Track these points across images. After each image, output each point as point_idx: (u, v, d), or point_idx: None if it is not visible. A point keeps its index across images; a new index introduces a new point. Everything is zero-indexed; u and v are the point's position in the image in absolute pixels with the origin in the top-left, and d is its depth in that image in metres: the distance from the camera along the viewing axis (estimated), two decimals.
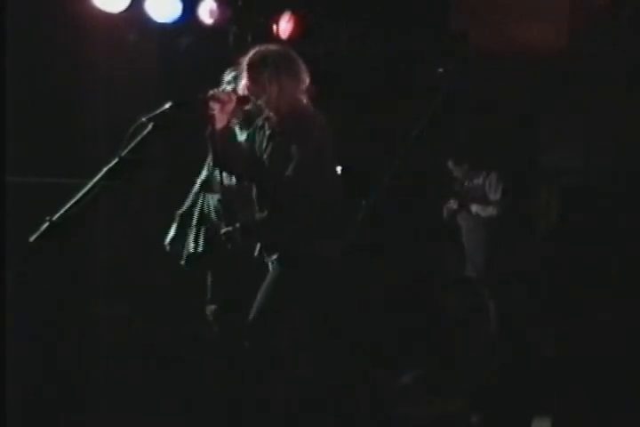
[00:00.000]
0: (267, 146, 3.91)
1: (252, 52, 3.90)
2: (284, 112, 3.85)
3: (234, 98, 3.86)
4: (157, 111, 3.29)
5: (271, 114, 3.88)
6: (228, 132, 3.90)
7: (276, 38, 6.26)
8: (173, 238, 4.53)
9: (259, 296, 3.84)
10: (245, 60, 3.90)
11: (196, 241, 4.45)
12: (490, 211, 6.67)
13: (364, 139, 6.43)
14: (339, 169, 4.16)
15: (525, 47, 6.77)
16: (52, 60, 6.07)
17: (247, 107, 3.91)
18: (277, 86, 3.82)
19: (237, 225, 3.89)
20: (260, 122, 3.98)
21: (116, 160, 2.93)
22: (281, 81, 3.83)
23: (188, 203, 4.68)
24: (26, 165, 5.72)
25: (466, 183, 6.85)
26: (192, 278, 4.49)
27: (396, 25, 6.70)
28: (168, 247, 4.54)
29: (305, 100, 3.89)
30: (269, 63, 3.84)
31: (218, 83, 4.16)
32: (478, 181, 6.83)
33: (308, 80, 3.90)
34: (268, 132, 3.92)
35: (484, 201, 6.71)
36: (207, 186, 4.46)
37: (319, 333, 3.87)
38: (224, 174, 4.24)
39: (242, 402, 3.81)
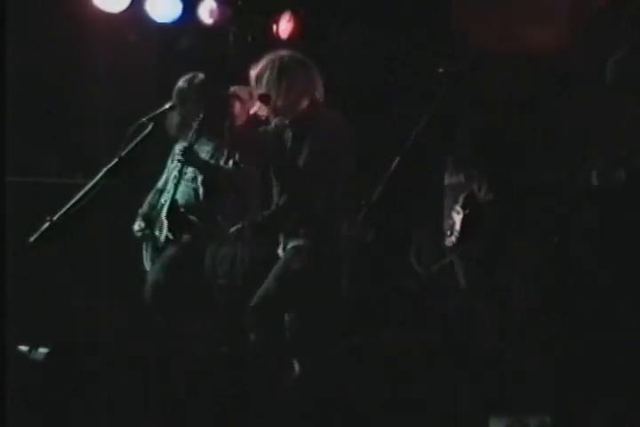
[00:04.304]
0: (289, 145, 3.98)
1: (261, 62, 3.96)
2: (292, 116, 3.90)
3: (254, 96, 3.92)
4: (157, 111, 3.29)
5: (284, 119, 3.93)
6: (251, 127, 3.95)
7: (276, 38, 6.26)
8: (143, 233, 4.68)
9: (266, 283, 3.87)
10: (255, 71, 3.96)
11: (169, 230, 4.56)
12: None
13: (364, 139, 6.43)
14: None
15: (526, 47, 6.77)
16: (52, 59, 6.08)
17: (261, 112, 3.96)
18: (283, 91, 3.87)
19: (247, 222, 3.93)
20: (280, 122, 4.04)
21: (116, 160, 2.93)
22: (283, 87, 3.87)
23: (150, 201, 4.78)
24: (26, 165, 5.73)
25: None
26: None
27: (396, 25, 6.70)
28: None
29: (313, 103, 3.93)
30: (273, 71, 3.90)
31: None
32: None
33: (316, 83, 3.94)
34: (289, 134, 3.99)
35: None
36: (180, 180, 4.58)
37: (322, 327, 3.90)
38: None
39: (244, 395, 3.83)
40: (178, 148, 4.83)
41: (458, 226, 6.65)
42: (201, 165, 4.69)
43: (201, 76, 4.76)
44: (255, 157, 4.04)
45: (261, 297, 3.87)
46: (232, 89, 4.02)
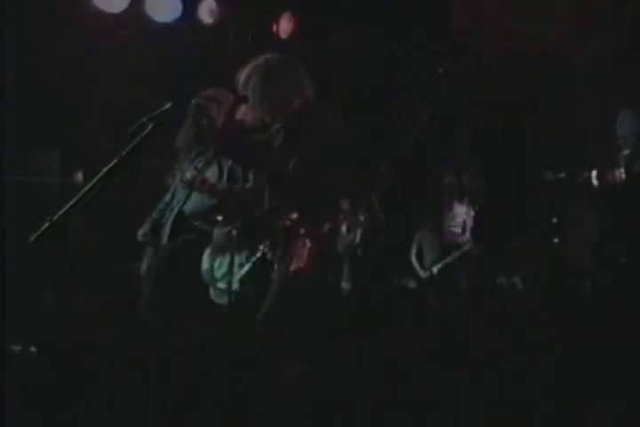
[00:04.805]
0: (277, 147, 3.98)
1: (245, 69, 3.96)
2: (281, 118, 3.90)
3: (231, 98, 3.89)
4: (157, 111, 3.28)
5: (275, 124, 3.93)
6: (238, 133, 3.94)
7: (275, 38, 6.27)
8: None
9: (269, 296, 3.86)
10: (240, 78, 3.96)
11: (169, 238, 4.54)
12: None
13: (363, 139, 6.43)
14: None
15: (525, 47, 6.77)
16: (53, 60, 6.08)
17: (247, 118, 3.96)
18: (269, 96, 3.88)
19: (238, 224, 3.91)
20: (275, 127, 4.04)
21: (115, 160, 2.93)
22: (267, 91, 3.88)
23: (160, 208, 4.76)
24: (26, 165, 5.74)
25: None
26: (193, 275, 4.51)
27: (396, 25, 6.70)
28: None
29: (303, 104, 3.93)
30: (258, 77, 3.91)
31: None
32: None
33: (305, 83, 3.93)
34: (280, 136, 3.98)
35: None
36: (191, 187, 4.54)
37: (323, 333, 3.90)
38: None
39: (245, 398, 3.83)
40: (186, 173, 4.76)
41: (470, 223, 6.69)
42: (211, 191, 4.64)
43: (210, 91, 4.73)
44: (249, 164, 4.02)
45: (268, 313, 3.85)
46: (209, 92, 3.98)
